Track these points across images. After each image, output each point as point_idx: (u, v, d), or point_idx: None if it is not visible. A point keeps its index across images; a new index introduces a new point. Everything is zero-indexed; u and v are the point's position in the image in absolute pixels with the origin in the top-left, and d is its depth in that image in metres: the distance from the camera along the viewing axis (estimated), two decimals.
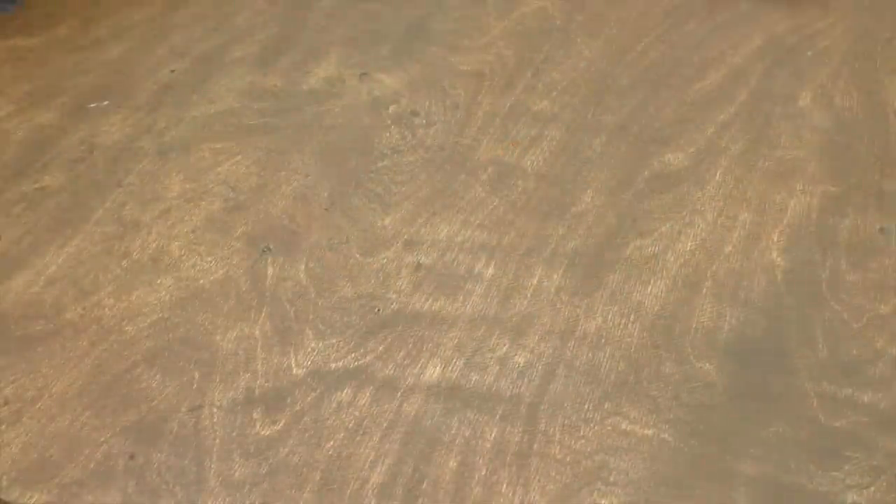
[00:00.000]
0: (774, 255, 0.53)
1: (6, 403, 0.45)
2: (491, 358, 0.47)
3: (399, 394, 0.46)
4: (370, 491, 0.42)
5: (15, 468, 0.43)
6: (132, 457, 0.43)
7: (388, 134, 0.60)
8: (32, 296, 0.50)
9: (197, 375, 0.46)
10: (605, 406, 0.45)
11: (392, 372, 0.47)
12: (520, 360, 0.47)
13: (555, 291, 0.50)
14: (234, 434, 0.44)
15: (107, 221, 0.54)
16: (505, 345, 0.48)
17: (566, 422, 0.45)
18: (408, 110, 0.62)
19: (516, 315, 0.49)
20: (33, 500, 0.42)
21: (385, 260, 0.52)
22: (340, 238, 0.53)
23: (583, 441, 0.44)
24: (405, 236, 0.53)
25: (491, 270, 0.52)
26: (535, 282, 0.51)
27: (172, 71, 0.66)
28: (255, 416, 0.45)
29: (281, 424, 0.45)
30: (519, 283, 0.51)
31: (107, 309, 0.49)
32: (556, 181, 0.57)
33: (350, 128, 0.60)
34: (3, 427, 0.44)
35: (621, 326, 0.49)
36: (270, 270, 0.51)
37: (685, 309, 0.50)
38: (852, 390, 0.46)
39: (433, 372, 0.47)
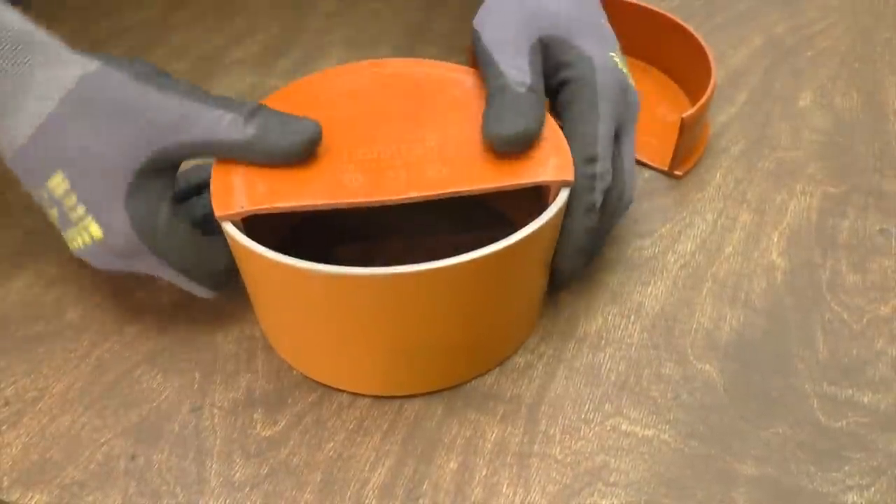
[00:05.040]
0: (774, 255, 0.53)
1: (7, 404, 0.45)
2: None
3: (400, 394, 0.46)
4: (371, 492, 0.42)
5: (15, 469, 0.43)
6: (133, 457, 0.43)
7: None
8: (33, 296, 0.50)
9: (198, 376, 0.47)
10: (606, 407, 0.45)
11: None
12: (520, 360, 0.47)
13: (555, 292, 0.50)
14: (235, 435, 0.44)
15: None
16: None
17: (566, 422, 0.45)
18: None
19: None
20: (34, 500, 0.42)
21: None
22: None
23: (583, 442, 0.44)
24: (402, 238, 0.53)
25: None
26: None
27: (173, 72, 0.66)
28: (255, 416, 0.45)
29: (282, 425, 0.45)
30: None
31: (108, 310, 0.49)
32: None
33: None
34: (4, 428, 0.44)
35: (622, 327, 0.49)
36: None
37: (685, 310, 0.50)
38: (853, 391, 0.46)
39: None
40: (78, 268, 0.51)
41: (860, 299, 0.50)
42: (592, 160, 0.44)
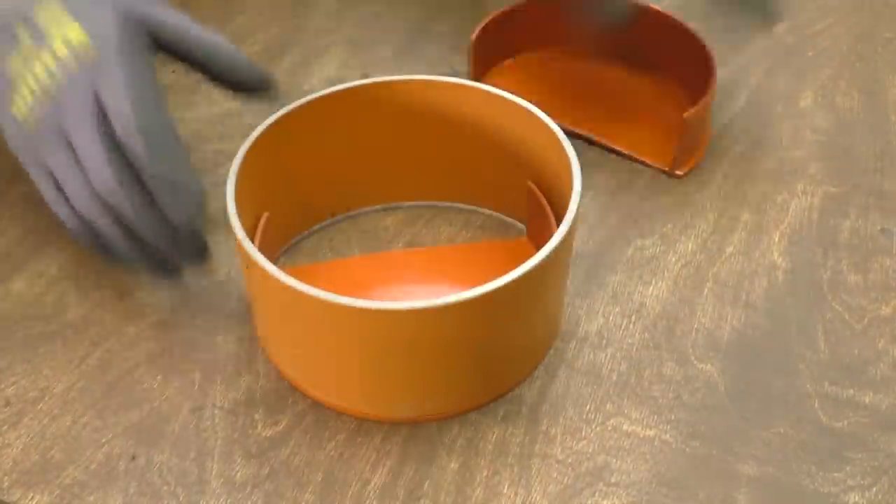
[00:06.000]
0: (775, 255, 0.53)
1: (7, 404, 0.45)
2: None
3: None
4: (372, 492, 0.42)
5: (16, 469, 0.43)
6: (134, 458, 0.43)
7: None
8: (34, 296, 0.50)
9: (198, 376, 0.46)
10: (607, 407, 0.45)
11: None
12: None
13: None
14: (236, 435, 0.44)
15: None
16: None
17: (567, 422, 0.45)
18: None
19: None
20: (34, 500, 0.42)
21: None
22: (342, 239, 0.53)
23: (584, 442, 0.44)
24: (407, 237, 0.53)
25: None
26: None
27: (173, 72, 0.65)
28: (256, 416, 0.45)
29: (282, 425, 0.45)
30: None
31: (108, 310, 0.49)
32: None
33: None
34: (5, 428, 0.44)
35: (623, 327, 0.49)
36: None
37: (686, 310, 0.50)
38: (854, 391, 0.46)
39: None
40: (78, 268, 0.51)
41: (861, 299, 0.50)
42: None
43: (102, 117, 0.43)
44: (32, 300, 0.50)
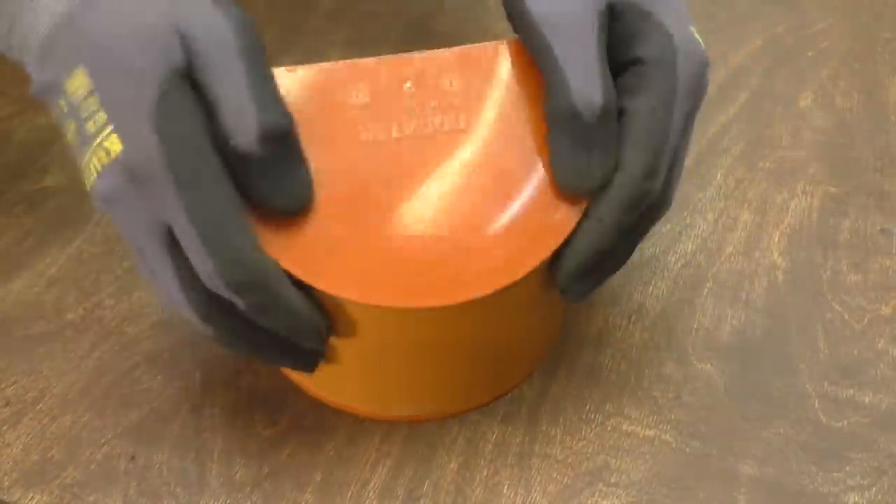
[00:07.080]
0: (775, 255, 0.53)
1: (7, 404, 0.45)
2: None
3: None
4: (371, 492, 0.42)
5: (16, 469, 0.43)
6: (133, 458, 0.43)
7: None
8: (33, 296, 0.50)
9: (198, 376, 0.46)
10: (607, 407, 0.45)
11: None
12: None
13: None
14: (236, 435, 0.44)
15: (108, 222, 0.54)
16: None
17: (567, 422, 0.45)
18: None
19: None
20: (34, 500, 0.42)
21: None
22: None
23: (584, 442, 0.44)
24: None
25: None
26: None
27: None
28: (256, 417, 0.45)
29: (282, 425, 0.45)
30: None
31: (108, 310, 0.49)
32: None
33: None
34: (5, 428, 0.44)
35: (622, 327, 0.49)
36: None
37: (686, 310, 0.50)
38: (853, 391, 0.46)
39: None
40: (78, 267, 0.51)
41: (861, 299, 0.50)
42: (651, 175, 0.37)
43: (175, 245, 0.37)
44: (32, 300, 0.50)
